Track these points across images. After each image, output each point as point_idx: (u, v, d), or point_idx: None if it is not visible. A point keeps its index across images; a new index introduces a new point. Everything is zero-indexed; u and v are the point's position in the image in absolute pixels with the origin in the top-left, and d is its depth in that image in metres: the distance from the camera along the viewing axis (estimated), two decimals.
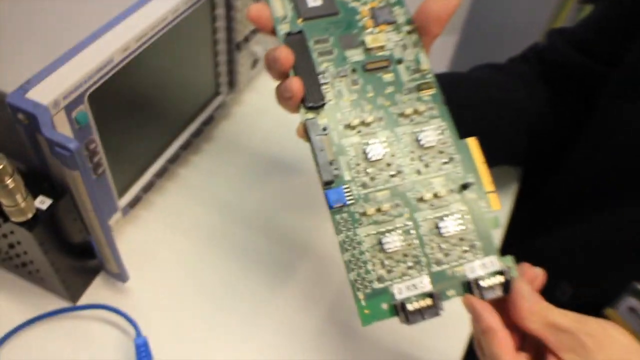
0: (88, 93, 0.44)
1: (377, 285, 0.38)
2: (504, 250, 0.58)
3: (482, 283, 0.39)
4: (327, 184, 0.39)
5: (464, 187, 0.41)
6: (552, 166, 0.62)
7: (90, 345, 0.48)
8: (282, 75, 0.41)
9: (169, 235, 0.56)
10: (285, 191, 0.60)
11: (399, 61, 0.43)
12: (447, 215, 0.40)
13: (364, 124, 0.41)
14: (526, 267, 0.40)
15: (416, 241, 0.39)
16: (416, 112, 0.42)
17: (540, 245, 0.56)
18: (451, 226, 0.40)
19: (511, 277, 0.39)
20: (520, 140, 0.59)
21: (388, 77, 0.43)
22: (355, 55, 0.43)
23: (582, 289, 0.50)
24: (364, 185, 0.40)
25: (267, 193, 0.60)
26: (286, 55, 0.40)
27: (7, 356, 0.47)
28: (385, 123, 0.42)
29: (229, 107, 0.65)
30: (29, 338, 0.48)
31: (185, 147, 0.58)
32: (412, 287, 0.38)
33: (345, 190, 0.39)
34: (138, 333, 0.48)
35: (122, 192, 0.53)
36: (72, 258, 0.49)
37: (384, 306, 0.38)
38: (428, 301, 0.38)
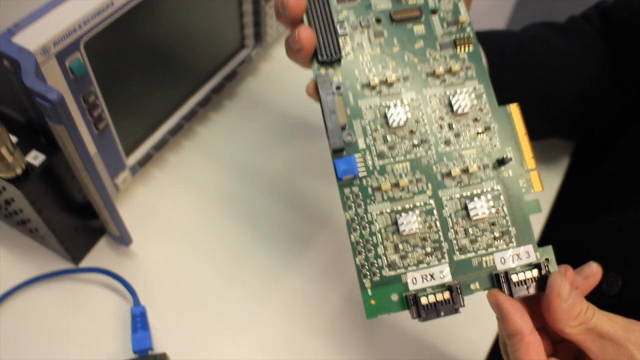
0: (85, 39, 0.39)
1: (387, 272, 0.33)
2: (545, 234, 0.52)
3: (514, 277, 0.33)
4: (337, 152, 0.34)
5: (501, 162, 0.34)
6: (610, 142, 0.54)
7: (88, 310, 0.45)
8: (293, 24, 0.36)
9: (182, 197, 0.52)
10: (310, 156, 0.55)
11: (433, 11, 0.37)
12: (477, 195, 0.34)
13: (385, 83, 0.35)
14: (569, 269, 0.34)
15: (438, 223, 0.34)
16: (449, 71, 0.36)
17: (588, 230, 0.49)
18: (482, 208, 0.34)
19: (548, 272, 0.33)
20: (575, 109, 0.51)
21: (419, 29, 0.37)
22: (382, 2, 0.37)
23: (633, 282, 0.43)
24: (381, 155, 0.34)
25: (290, 157, 0.55)
26: (297, 0, 0.34)
27: (5, 314, 0.45)
28: (411, 83, 0.35)
29: (255, 63, 0.60)
30: (28, 297, 0.46)
31: (204, 103, 0.54)
32: (429, 277, 0.33)
33: (358, 159, 0.34)
34: (136, 302, 0.44)
35: (130, 150, 0.49)
36: (72, 218, 0.45)
37: (394, 297, 0.33)
38: (446, 295, 0.32)
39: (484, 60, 0.45)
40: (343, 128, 0.34)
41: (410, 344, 0.46)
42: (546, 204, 0.54)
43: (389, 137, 0.34)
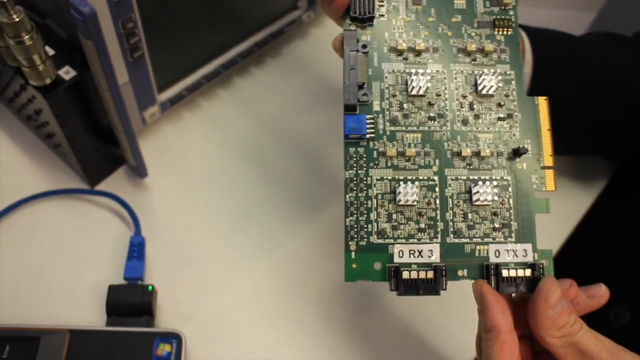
0: None
1: (375, 239, 0.32)
2: (561, 254, 0.49)
3: (504, 272, 0.31)
4: (349, 109, 0.33)
5: (516, 153, 0.33)
6: None
7: (92, 230, 0.46)
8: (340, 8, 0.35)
9: (207, 142, 0.52)
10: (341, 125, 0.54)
11: None
12: (484, 181, 0.33)
13: (413, 50, 0.34)
14: (573, 285, 0.32)
15: (438, 201, 0.32)
16: (482, 51, 0.34)
17: (606, 257, 0.47)
18: (486, 194, 0.32)
19: (542, 275, 0.31)
20: (624, 128, 0.48)
21: (459, 2, 0.35)
22: None
23: None
24: (394, 121, 0.33)
25: (322, 123, 0.54)
26: None
27: (17, 220, 0.46)
28: (440, 56, 0.34)
29: (306, 26, 0.59)
30: (41, 208, 0.47)
31: (246, 55, 0.54)
32: (417, 253, 0.32)
33: (369, 120, 0.33)
34: (137, 231, 0.45)
35: (163, 86, 0.50)
36: (94, 140, 0.46)
37: (377, 266, 0.32)
38: (430, 274, 0.31)
39: (529, 56, 0.43)
40: (361, 87, 0.33)
41: (401, 333, 0.44)
42: (569, 224, 0.51)
43: (405, 105, 0.33)
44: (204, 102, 0.54)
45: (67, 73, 0.42)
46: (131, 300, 0.41)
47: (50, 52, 0.43)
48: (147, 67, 0.46)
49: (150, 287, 0.42)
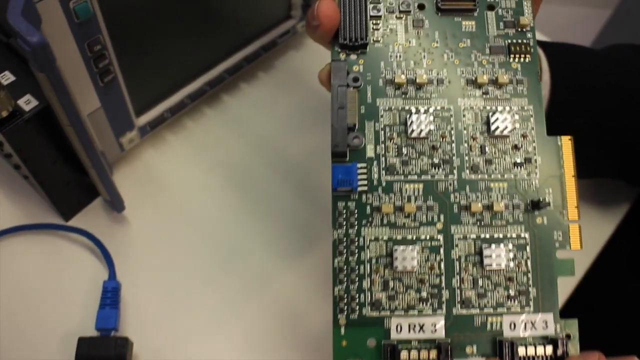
0: None
1: (368, 311, 0.27)
2: (575, 294, 0.44)
3: (521, 350, 0.27)
4: (337, 157, 0.28)
5: (536, 205, 0.28)
6: None
7: (66, 270, 0.42)
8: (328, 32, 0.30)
9: (193, 168, 0.47)
10: None
11: (491, 6, 0.30)
12: (498, 241, 0.28)
13: (414, 83, 0.29)
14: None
15: (442, 265, 0.28)
16: (495, 82, 0.29)
17: (632, 297, 0.41)
18: (500, 257, 0.27)
19: (566, 354, 0.26)
20: None
21: (468, 24, 0.30)
22: None
23: None
24: (391, 170, 0.28)
25: (318, 143, 0.49)
26: (333, 6, 0.29)
27: None
28: (446, 88, 0.29)
29: (301, 37, 0.54)
30: (11, 244, 0.43)
31: (234, 71, 0.49)
32: (418, 327, 0.27)
33: (361, 170, 0.28)
34: (111, 275, 0.41)
35: (141, 109, 0.45)
36: (64, 174, 0.42)
37: (370, 343, 0.27)
38: (432, 354, 0.26)
39: (547, 76, 0.37)
40: (351, 129, 0.28)
41: None
42: (589, 256, 0.46)
43: (404, 150, 0.28)
44: (189, 123, 0.49)
45: (27, 103, 0.38)
46: (103, 355, 0.37)
47: (10, 78, 0.39)
48: (121, 91, 0.42)
49: (124, 341, 0.37)
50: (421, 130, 0.28)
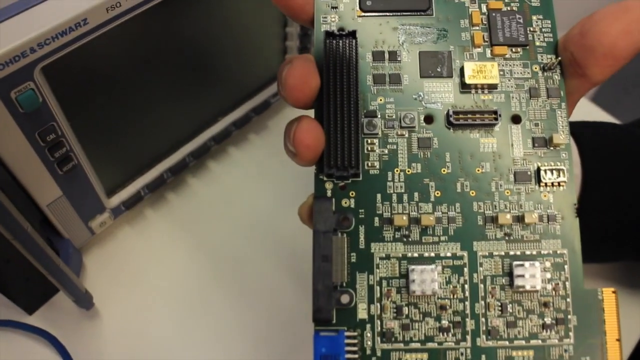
0: (43, 64, 0.29)
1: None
2: None
3: None
4: (320, 323, 0.22)
5: None
6: None
7: None
8: (303, 106, 0.24)
9: (174, 248, 0.42)
10: None
11: (516, 119, 0.24)
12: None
13: (418, 223, 0.23)
14: None
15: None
16: (521, 220, 0.23)
17: None
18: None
19: None
20: None
21: (488, 142, 0.24)
22: (439, 92, 0.24)
23: None
24: (388, 336, 0.22)
25: None
26: (305, 75, 0.23)
27: None
28: (458, 230, 0.23)
29: None
30: None
31: (221, 139, 0.43)
32: None
33: (349, 340, 0.22)
34: None
35: (113, 189, 0.40)
36: (19, 273, 0.36)
37: None
38: None
39: (578, 170, 0.32)
40: (337, 287, 0.23)
41: None
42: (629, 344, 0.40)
43: (405, 309, 0.23)
44: (171, 195, 0.44)
45: None
46: None
47: None
48: (86, 176, 0.36)
49: None
50: (427, 287, 0.22)
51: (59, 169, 0.34)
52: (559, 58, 0.24)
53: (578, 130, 0.33)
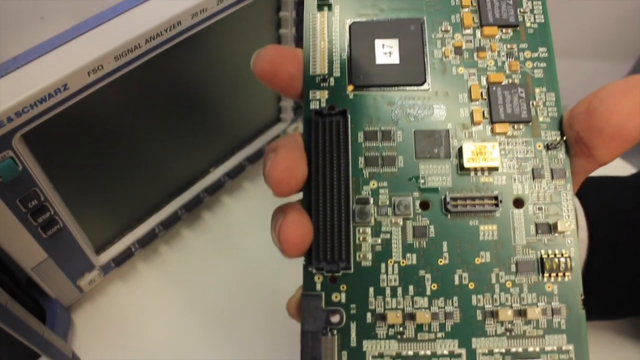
0: (23, 131, 0.28)
1: None
2: None
3: None
4: None
5: None
6: None
7: None
8: (288, 196, 0.23)
9: (167, 304, 0.40)
10: None
11: (518, 203, 0.23)
12: None
13: (412, 319, 0.22)
14: None
15: None
16: (524, 314, 0.22)
17: None
18: None
19: None
20: None
21: (488, 229, 0.23)
22: (436, 175, 0.23)
23: None
24: None
25: None
26: (290, 167, 0.21)
27: None
28: (456, 326, 0.22)
29: None
30: None
31: (213, 190, 0.42)
32: None
33: None
34: None
35: (103, 246, 0.39)
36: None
37: None
38: None
39: (584, 233, 0.30)
40: None
41: None
42: None
43: None
44: (163, 247, 0.43)
45: None
46: None
47: None
48: (72, 237, 0.35)
49: None
50: None
51: (43, 232, 0.33)
52: (564, 137, 0.23)
53: (582, 190, 0.32)
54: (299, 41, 0.38)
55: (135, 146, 0.36)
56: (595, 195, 0.32)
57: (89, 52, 0.29)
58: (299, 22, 0.37)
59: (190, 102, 0.37)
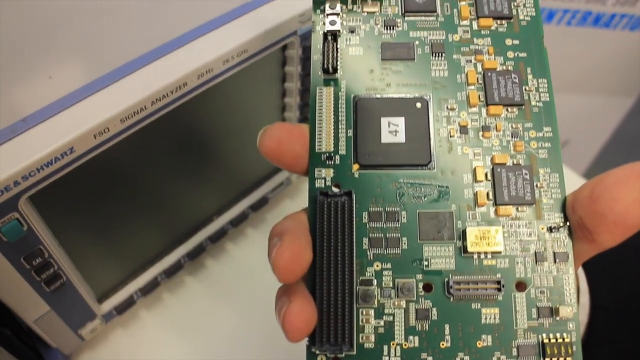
0: (30, 194, 0.28)
1: None
2: None
3: None
4: None
5: None
6: None
7: None
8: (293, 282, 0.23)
9: (171, 351, 0.40)
10: None
11: (520, 286, 0.23)
12: None
13: None
14: None
15: None
16: None
17: None
18: None
19: None
20: None
21: (490, 313, 0.23)
22: (440, 258, 0.23)
23: None
24: None
25: None
26: (296, 255, 0.21)
27: None
28: None
29: (298, 184, 0.46)
30: None
31: (216, 238, 0.42)
32: None
33: None
34: None
35: (105, 295, 0.39)
36: None
37: None
38: None
39: (585, 299, 0.30)
40: None
41: None
42: None
43: None
44: (166, 295, 0.43)
45: None
46: None
47: None
48: (75, 289, 0.35)
49: None
50: None
51: (46, 287, 0.33)
52: (568, 223, 0.23)
53: None
54: (303, 108, 0.39)
55: (140, 199, 0.37)
56: (596, 260, 0.33)
57: (95, 115, 0.29)
58: (304, 91, 0.37)
59: (194, 155, 0.38)
